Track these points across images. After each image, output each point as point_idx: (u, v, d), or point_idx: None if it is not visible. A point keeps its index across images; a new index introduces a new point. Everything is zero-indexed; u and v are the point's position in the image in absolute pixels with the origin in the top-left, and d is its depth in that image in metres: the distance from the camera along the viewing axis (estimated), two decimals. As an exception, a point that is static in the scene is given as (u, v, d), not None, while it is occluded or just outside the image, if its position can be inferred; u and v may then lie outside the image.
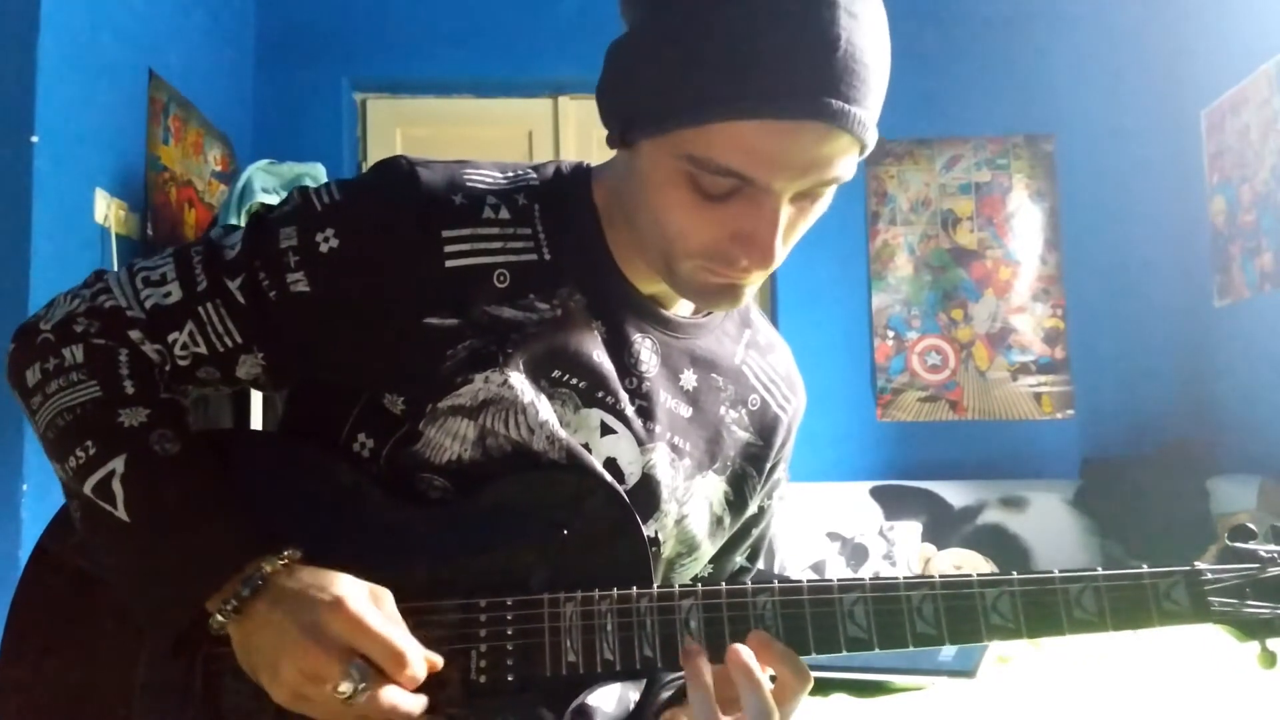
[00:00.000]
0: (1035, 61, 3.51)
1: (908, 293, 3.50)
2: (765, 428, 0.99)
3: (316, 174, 2.74)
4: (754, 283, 0.83)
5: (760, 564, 1.08)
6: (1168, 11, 3.48)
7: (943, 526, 3.12)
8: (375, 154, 3.56)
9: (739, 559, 1.05)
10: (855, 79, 0.72)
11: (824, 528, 3.07)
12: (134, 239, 2.41)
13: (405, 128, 3.61)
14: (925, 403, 3.46)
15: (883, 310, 3.49)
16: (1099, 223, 3.49)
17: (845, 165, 0.77)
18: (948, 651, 1.69)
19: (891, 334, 3.48)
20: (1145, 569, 0.77)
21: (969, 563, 2.82)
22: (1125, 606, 0.76)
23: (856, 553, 2.98)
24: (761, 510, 1.02)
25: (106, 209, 2.29)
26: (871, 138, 0.76)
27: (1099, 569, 0.77)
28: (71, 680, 0.84)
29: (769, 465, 0.99)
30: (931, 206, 3.53)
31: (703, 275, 0.81)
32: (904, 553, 2.96)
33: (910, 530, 3.05)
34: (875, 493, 3.21)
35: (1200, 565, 0.77)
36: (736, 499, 0.97)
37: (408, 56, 3.49)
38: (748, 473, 0.98)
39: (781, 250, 0.78)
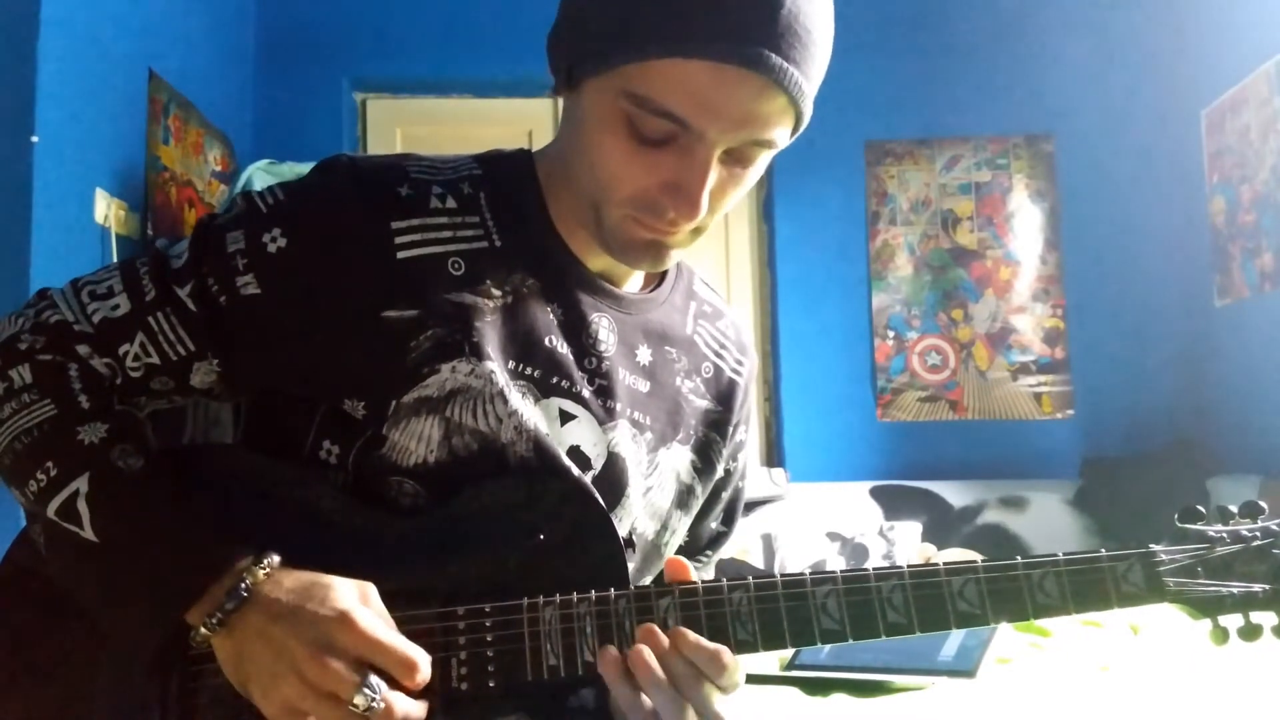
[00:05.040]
0: (1035, 61, 3.51)
1: (908, 293, 3.50)
2: (722, 393, 1.00)
3: (316, 174, 2.73)
4: (680, 244, 0.85)
5: (735, 529, 1.09)
6: (1168, 11, 3.48)
7: (943, 526, 3.12)
8: (376, 153, 3.55)
9: (713, 524, 1.07)
10: (797, 40, 0.75)
11: (824, 528, 3.07)
12: (134, 239, 2.41)
13: (405, 128, 3.61)
14: (925, 403, 3.45)
15: (883, 310, 3.49)
16: (1099, 223, 3.48)
17: (779, 131, 0.79)
18: (948, 651, 1.69)
19: (891, 334, 3.48)
20: (1103, 552, 0.80)
21: (969, 563, 2.81)
22: (1085, 589, 0.79)
23: (856, 553, 2.98)
24: (728, 473, 1.03)
25: (106, 209, 2.29)
26: (807, 108, 0.79)
27: (1060, 554, 0.80)
28: (35, 708, 0.82)
29: (730, 428, 1.01)
30: (931, 206, 3.53)
31: (630, 226, 0.82)
32: (904, 553, 2.96)
33: (910, 530, 3.05)
34: (875, 493, 3.21)
35: (1155, 547, 0.80)
36: (704, 466, 0.99)
37: (408, 56, 3.49)
38: (712, 439, 0.99)
39: (707, 208, 0.80)
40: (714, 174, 0.79)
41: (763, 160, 0.82)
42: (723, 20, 0.73)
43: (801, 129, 0.81)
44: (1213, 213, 3.26)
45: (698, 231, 0.83)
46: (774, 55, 0.74)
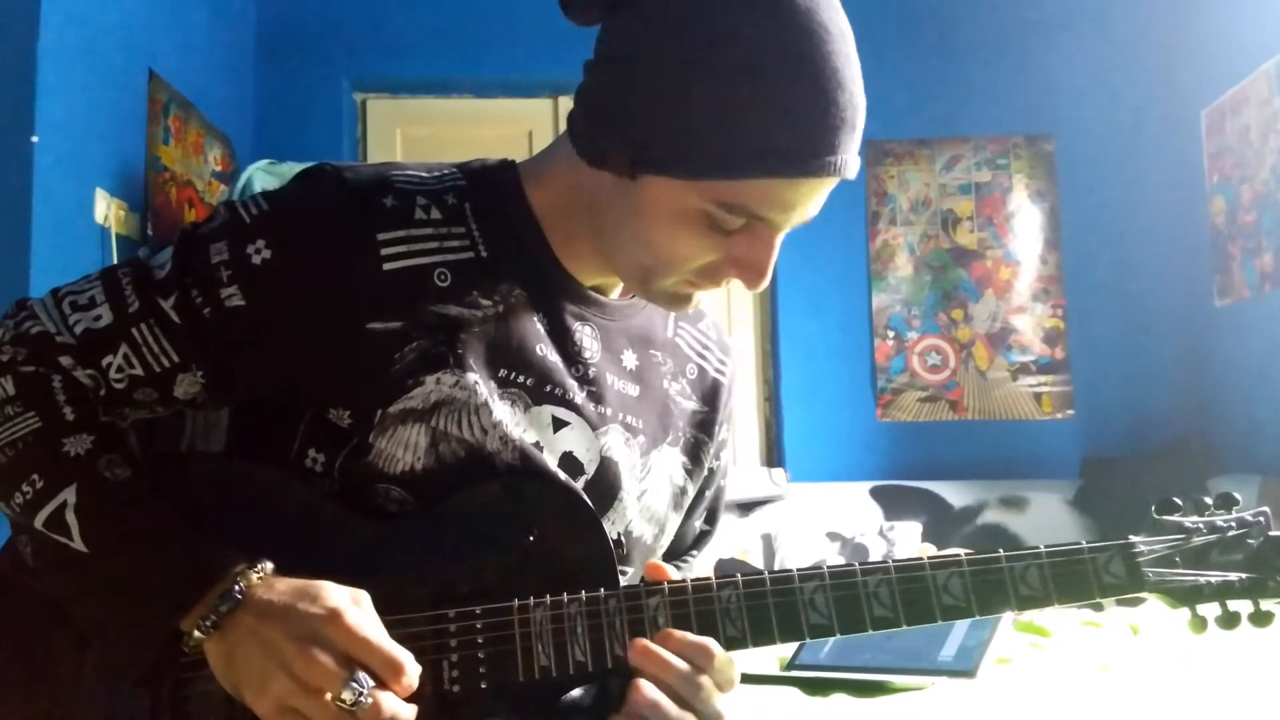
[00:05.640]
0: (1035, 61, 3.52)
1: (908, 293, 3.50)
2: (707, 393, 1.02)
3: (316, 174, 2.73)
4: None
5: (719, 528, 1.10)
6: (1168, 11, 3.49)
7: (943, 526, 3.12)
8: (375, 154, 3.56)
9: (698, 524, 1.07)
10: (858, 132, 0.81)
11: (824, 528, 3.07)
12: (134, 239, 2.41)
13: (405, 128, 3.61)
14: (925, 403, 3.46)
15: (883, 310, 3.49)
16: (1099, 223, 3.49)
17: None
18: (948, 651, 1.69)
19: (891, 334, 3.48)
20: (1084, 544, 0.81)
21: (969, 563, 2.82)
22: (1068, 581, 0.80)
23: (857, 553, 2.98)
24: (711, 471, 1.04)
25: (106, 209, 2.29)
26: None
27: (1042, 547, 0.81)
28: (23, 718, 0.82)
29: (715, 427, 1.02)
30: (931, 206, 3.54)
31: (684, 287, 0.86)
32: (904, 553, 2.96)
33: (910, 530, 3.05)
34: (875, 493, 3.21)
35: (1134, 539, 0.82)
36: (694, 466, 1.00)
37: (408, 56, 3.50)
38: (700, 439, 1.00)
39: None
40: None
41: None
42: (815, 140, 0.77)
43: None
44: (1213, 213, 3.26)
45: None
46: (846, 159, 0.79)
